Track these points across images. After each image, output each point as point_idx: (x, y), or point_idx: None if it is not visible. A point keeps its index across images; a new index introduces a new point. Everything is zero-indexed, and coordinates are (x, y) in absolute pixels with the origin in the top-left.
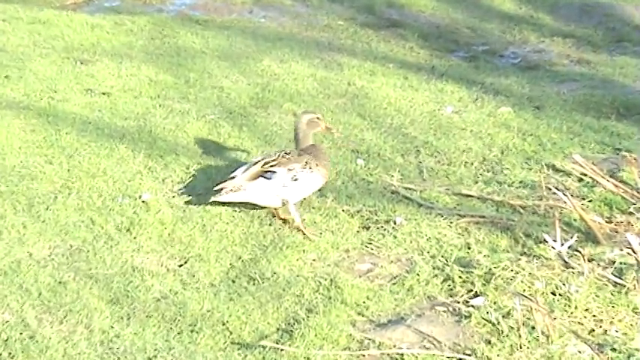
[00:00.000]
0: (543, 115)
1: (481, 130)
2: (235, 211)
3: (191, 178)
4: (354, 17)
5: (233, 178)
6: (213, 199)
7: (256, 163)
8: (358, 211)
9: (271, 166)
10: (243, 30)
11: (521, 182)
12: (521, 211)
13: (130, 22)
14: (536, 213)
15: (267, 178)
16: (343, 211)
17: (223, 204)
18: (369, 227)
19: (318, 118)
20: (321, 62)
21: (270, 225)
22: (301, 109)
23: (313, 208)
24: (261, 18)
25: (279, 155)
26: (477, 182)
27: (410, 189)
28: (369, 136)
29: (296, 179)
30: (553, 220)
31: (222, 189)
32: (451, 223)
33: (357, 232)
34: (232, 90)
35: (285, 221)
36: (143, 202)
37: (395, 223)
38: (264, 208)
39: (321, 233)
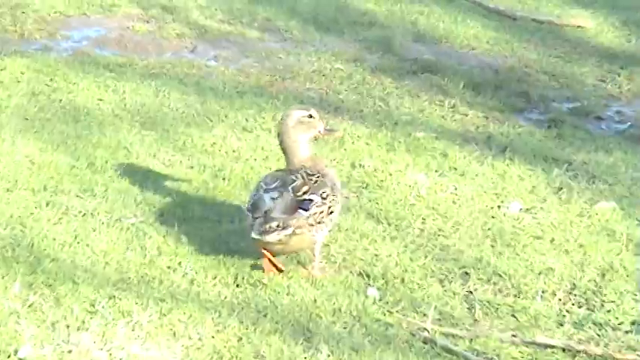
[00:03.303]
0: None
1: (568, 240)
2: None
3: (99, 321)
4: (360, 58)
5: (267, 210)
6: (258, 237)
7: (286, 188)
8: None
9: (304, 192)
10: (180, 79)
11: (633, 323)
12: None
13: None
14: None
15: (306, 210)
16: None
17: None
18: None
19: (311, 115)
20: None
21: None
22: (289, 108)
23: None
24: (209, 59)
25: (303, 175)
26: (561, 325)
27: (454, 336)
28: (387, 249)
29: (331, 212)
30: None
31: (265, 224)
32: None
33: None
34: (164, 177)
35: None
36: None
37: None
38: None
39: None
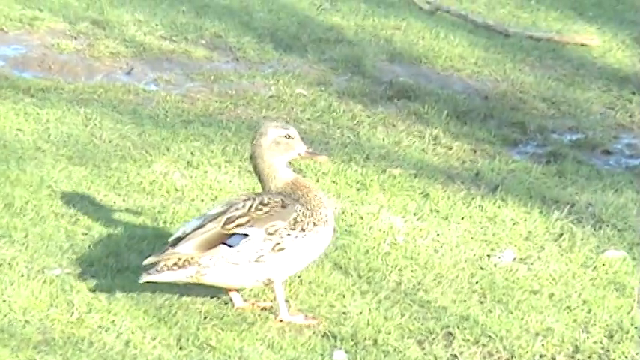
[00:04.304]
0: None
1: (570, 295)
2: None
3: None
4: (325, 80)
5: (177, 242)
6: (145, 278)
7: (215, 218)
8: None
9: (238, 224)
10: (114, 106)
11: None
12: None
13: None
14: None
15: (231, 246)
16: None
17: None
18: None
19: (289, 135)
20: None
21: None
22: (265, 122)
23: None
24: (149, 83)
25: (250, 205)
26: None
27: None
28: (358, 306)
29: (281, 249)
30: None
31: (158, 262)
32: None
33: None
34: (94, 220)
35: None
36: None
37: None
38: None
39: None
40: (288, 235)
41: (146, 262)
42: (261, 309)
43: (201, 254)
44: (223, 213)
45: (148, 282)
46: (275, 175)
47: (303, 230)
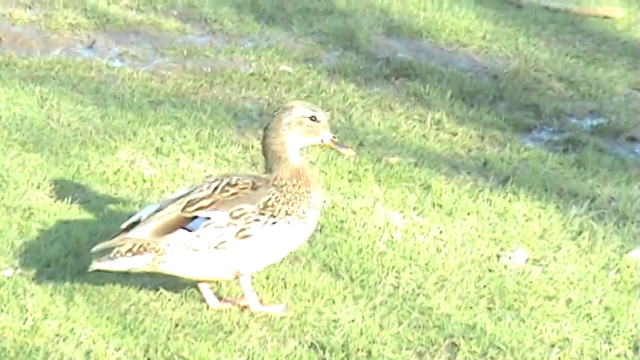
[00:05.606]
0: None
1: (589, 300)
2: None
3: None
4: (314, 56)
5: (133, 227)
6: (96, 266)
7: (176, 200)
8: None
9: (200, 206)
10: (74, 85)
11: None
12: None
13: None
14: None
15: (190, 230)
16: None
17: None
18: None
19: (314, 117)
20: (243, 154)
21: None
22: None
23: None
24: (113, 58)
25: (217, 186)
26: None
27: None
28: (349, 313)
29: (246, 236)
30: None
31: (112, 249)
32: None
33: None
34: (51, 215)
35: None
36: None
37: None
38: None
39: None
40: (257, 220)
41: (95, 249)
42: (242, 308)
43: (158, 239)
44: (185, 195)
45: (98, 270)
46: (283, 157)
47: (274, 216)
